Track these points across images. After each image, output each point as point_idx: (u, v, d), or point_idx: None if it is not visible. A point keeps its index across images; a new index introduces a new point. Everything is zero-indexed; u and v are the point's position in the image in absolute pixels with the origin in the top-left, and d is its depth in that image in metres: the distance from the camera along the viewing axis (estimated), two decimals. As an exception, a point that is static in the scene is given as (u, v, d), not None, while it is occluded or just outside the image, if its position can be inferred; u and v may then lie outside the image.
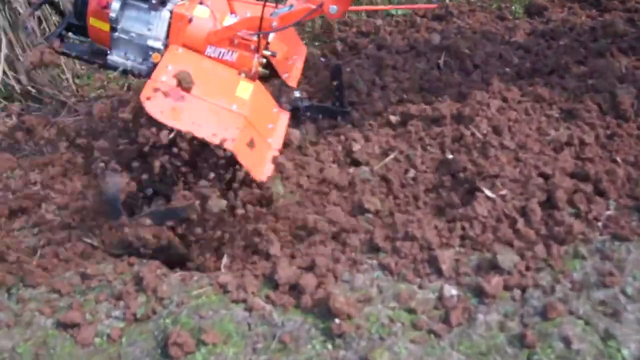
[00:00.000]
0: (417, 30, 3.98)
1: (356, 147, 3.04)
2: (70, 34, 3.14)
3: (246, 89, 2.83)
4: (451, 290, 2.38)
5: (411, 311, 2.34)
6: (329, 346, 2.27)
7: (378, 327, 2.30)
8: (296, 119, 3.18)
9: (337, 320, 2.30)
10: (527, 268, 2.38)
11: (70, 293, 2.61)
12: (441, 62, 3.58)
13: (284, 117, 3.02)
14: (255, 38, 2.82)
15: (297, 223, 2.70)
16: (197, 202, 2.62)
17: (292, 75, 3.25)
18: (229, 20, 2.91)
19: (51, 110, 3.91)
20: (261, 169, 2.73)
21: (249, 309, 2.42)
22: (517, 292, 2.32)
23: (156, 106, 2.59)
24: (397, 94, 3.36)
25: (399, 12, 4.18)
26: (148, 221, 2.70)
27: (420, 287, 2.42)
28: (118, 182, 2.70)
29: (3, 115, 3.91)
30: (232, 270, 2.61)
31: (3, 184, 3.20)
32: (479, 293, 2.34)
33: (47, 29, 4.00)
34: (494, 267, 2.41)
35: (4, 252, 2.75)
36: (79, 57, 3.12)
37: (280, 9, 2.81)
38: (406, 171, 2.93)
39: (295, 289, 2.46)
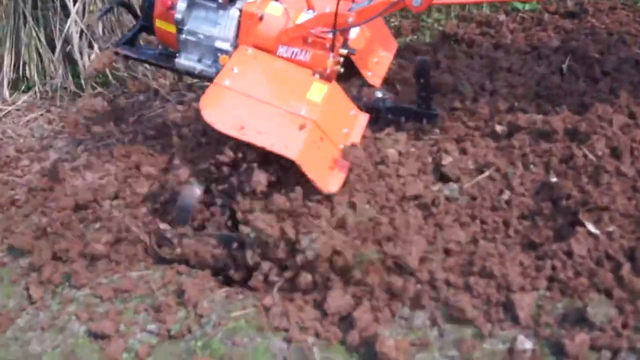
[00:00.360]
0: (544, 29, 3.57)
1: (447, 160, 2.74)
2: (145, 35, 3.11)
3: (319, 90, 2.65)
4: (525, 343, 2.03)
5: (474, 364, 2.03)
6: (372, 401, 2.02)
7: (431, 379, 2.02)
8: (376, 121, 2.91)
9: (384, 375, 2.05)
10: (625, 326, 1.98)
11: (110, 299, 2.54)
12: (565, 66, 3.17)
13: (362, 119, 2.79)
14: (330, 35, 2.61)
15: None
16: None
17: (377, 73, 3.01)
18: (304, 17, 2.73)
19: (144, 99, 3.92)
20: (329, 179, 2.51)
21: (288, 340, 2.21)
22: (606, 355, 1.94)
23: (216, 115, 2.49)
24: (507, 100, 3.01)
25: (526, 6, 3.78)
26: (213, 241, 2.60)
27: (489, 334, 2.09)
28: (195, 194, 2.61)
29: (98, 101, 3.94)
30: (282, 291, 2.41)
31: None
32: (559, 350, 1.98)
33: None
34: (582, 319, 2.03)
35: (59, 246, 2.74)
36: (147, 62, 3.07)
37: (359, 3, 2.58)
38: (500, 192, 2.59)
39: (345, 321, 2.23)
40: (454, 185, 2.67)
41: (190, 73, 2.91)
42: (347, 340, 2.16)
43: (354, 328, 2.17)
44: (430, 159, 2.79)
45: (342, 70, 2.79)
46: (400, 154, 2.79)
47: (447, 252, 2.41)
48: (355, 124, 2.75)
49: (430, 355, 2.08)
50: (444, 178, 2.72)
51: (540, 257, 2.28)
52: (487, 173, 2.67)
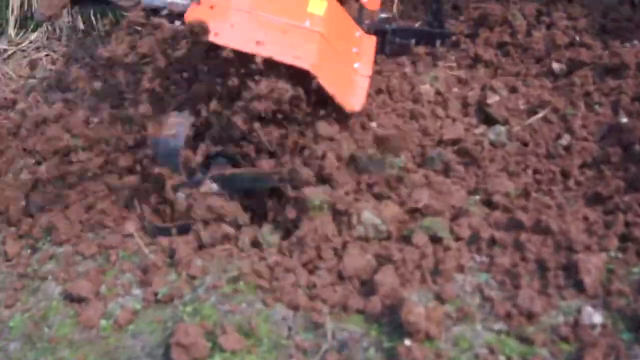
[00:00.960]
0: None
1: (493, 98, 2.30)
2: None
3: (319, 5, 2.27)
4: (594, 316, 1.61)
5: (526, 340, 1.61)
6: (390, 377, 1.62)
7: (470, 359, 1.60)
8: (382, 44, 2.52)
9: (407, 342, 1.63)
10: None
11: (94, 256, 2.18)
12: (637, -6, 2.69)
13: (370, 41, 2.39)
14: None
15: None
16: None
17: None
18: None
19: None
20: (350, 96, 2.16)
21: (294, 307, 1.82)
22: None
23: (226, 35, 2.11)
24: (567, 34, 2.54)
25: None
26: (215, 187, 2.20)
27: (547, 305, 1.67)
28: (182, 131, 2.19)
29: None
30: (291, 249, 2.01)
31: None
32: (636, 325, 1.56)
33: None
34: (666, 288, 1.60)
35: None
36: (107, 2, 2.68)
37: None
38: (558, 137, 2.15)
39: (365, 286, 1.83)
40: (501, 128, 2.23)
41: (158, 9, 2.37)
42: (366, 308, 1.76)
43: (376, 294, 1.77)
44: (474, 99, 2.36)
45: None
46: (438, 92, 2.37)
47: (492, 205, 1.99)
48: (364, 45, 2.35)
49: (471, 328, 1.66)
50: (489, 120, 2.28)
51: (609, 212, 1.84)
52: (541, 114, 2.23)
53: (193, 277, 1.98)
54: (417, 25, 2.64)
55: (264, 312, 1.82)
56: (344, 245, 1.91)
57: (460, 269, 1.80)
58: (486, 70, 2.50)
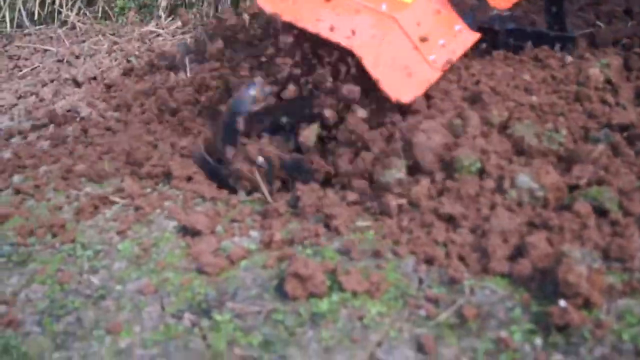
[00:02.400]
0: None
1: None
2: None
3: None
4: None
5: None
6: (536, 341, 1.36)
7: (637, 334, 1.33)
8: (492, 44, 2.33)
9: (562, 302, 1.39)
10: None
11: (214, 199, 2.07)
12: None
13: (469, 37, 2.19)
14: None
15: None
16: None
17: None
18: None
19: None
20: (401, 85, 1.98)
21: (428, 260, 1.62)
22: None
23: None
24: None
25: None
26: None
27: None
28: (248, 98, 2.07)
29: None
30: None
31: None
32: None
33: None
34: None
35: None
36: None
37: None
38: None
39: (513, 251, 1.61)
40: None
41: None
42: (513, 271, 1.53)
43: (525, 257, 1.54)
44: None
45: None
46: (609, 81, 2.14)
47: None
48: (458, 40, 2.16)
49: (639, 302, 1.40)
50: (667, 111, 2.03)
51: None
52: None
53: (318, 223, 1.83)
54: (534, 27, 2.44)
55: (393, 262, 1.62)
56: (492, 207, 1.70)
57: (629, 245, 1.55)
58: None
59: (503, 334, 1.39)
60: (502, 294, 1.48)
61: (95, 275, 1.80)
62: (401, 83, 2.00)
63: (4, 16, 4.08)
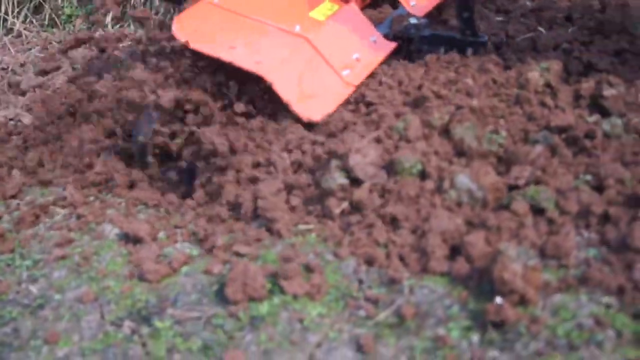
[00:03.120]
0: None
1: (609, 91, 2.10)
2: None
3: (328, 9, 2.35)
4: None
5: (640, 318, 1.37)
6: (473, 338, 1.38)
7: (571, 329, 1.36)
8: (408, 52, 2.44)
9: (498, 299, 1.41)
10: None
11: (157, 205, 2.06)
12: None
13: (384, 48, 2.32)
14: None
15: None
16: None
17: (423, 4, 2.56)
18: None
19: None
20: (311, 104, 2.09)
21: (369, 262, 1.63)
22: None
23: (184, 27, 2.17)
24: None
25: None
26: None
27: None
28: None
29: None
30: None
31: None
32: None
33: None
34: None
35: None
36: None
37: None
38: (684, 131, 1.93)
39: (452, 251, 1.62)
40: (618, 120, 2.02)
41: None
42: (451, 270, 1.55)
43: (463, 256, 1.57)
44: (587, 92, 2.16)
45: None
46: (549, 85, 2.19)
47: (603, 189, 1.76)
48: (373, 51, 2.28)
49: (574, 298, 1.42)
50: (603, 113, 2.08)
51: None
52: (665, 108, 2.02)
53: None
54: (447, 32, 2.52)
55: (334, 263, 1.63)
56: (431, 207, 1.72)
57: (565, 242, 1.58)
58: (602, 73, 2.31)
59: (441, 331, 1.41)
60: (440, 293, 1.50)
61: (34, 285, 1.77)
62: (312, 102, 2.08)
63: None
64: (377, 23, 2.50)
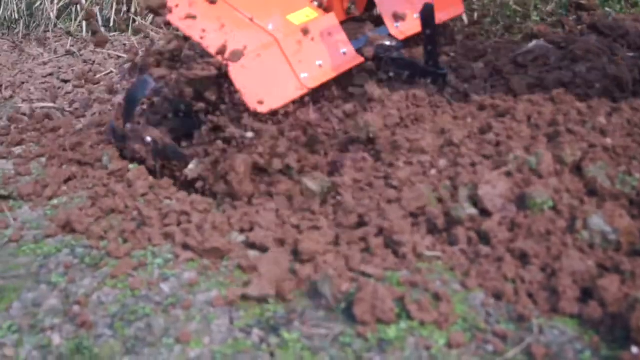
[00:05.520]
0: None
1: None
2: None
3: (306, 16, 2.51)
4: None
5: None
6: (606, 385, 1.38)
7: None
8: (376, 72, 2.62)
9: (634, 349, 1.40)
10: None
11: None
12: None
13: (351, 61, 2.52)
14: None
15: None
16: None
17: (405, 29, 2.71)
18: None
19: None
20: (262, 97, 2.25)
21: (498, 295, 1.64)
22: None
23: (177, 13, 2.36)
24: None
25: None
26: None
27: None
28: (147, 85, 2.42)
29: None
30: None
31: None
32: None
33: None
34: None
35: None
36: None
37: None
38: None
39: (583, 294, 1.61)
40: None
41: None
42: (583, 312, 1.54)
43: (596, 299, 1.55)
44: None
45: (353, 8, 2.84)
46: None
47: None
48: (339, 62, 2.48)
49: None
50: None
51: None
52: None
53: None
54: (414, 59, 2.68)
55: (461, 294, 1.65)
56: (563, 245, 1.72)
57: None
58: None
59: (570, 374, 1.41)
60: (571, 335, 1.49)
61: (165, 284, 1.86)
62: (263, 95, 2.25)
63: (80, 22, 4.23)
64: (353, 37, 2.65)
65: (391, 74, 2.61)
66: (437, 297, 1.63)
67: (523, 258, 1.72)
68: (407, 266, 1.76)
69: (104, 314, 1.76)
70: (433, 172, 2.06)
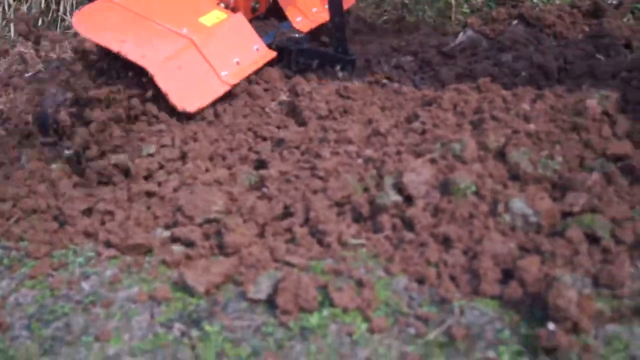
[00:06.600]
0: None
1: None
2: None
3: (216, 17, 2.65)
4: None
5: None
6: (525, 362, 1.40)
7: (625, 359, 1.37)
8: (288, 62, 2.80)
9: (550, 325, 1.42)
10: None
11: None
12: None
13: (265, 56, 2.66)
14: None
15: None
16: None
17: (307, 22, 2.94)
18: None
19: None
20: (188, 97, 2.40)
21: (421, 280, 1.65)
22: None
23: (83, 20, 2.49)
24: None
25: None
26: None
27: None
28: (57, 99, 2.51)
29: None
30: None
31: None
32: None
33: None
34: None
35: None
36: None
37: None
38: None
39: (504, 275, 1.63)
40: (681, 154, 2.02)
41: None
42: (503, 294, 1.56)
43: (516, 280, 1.57)
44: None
45: (257, 6, 3.00)
46: (606, 113, 2.19)
47: (661, 222, 1.76)
48: (254, 58, 2.63)
49: (628, 329, 1.42)
50: (661, 146, 2.08)
51: None
52: None
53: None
54: (321, 48, 2.90)
55: (385, 280, 1.65)
56: (485, 229, 1.74)
57: (619, 272, 1.58)
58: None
59: (491, 354, 1.42)
60: (491, 316, 1.51)
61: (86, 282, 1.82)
62: (189, 95, 2.40)
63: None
64: (263, 33, 2.79)
65: (302, 65, 2.76)
66: (360, 284, 1.63)
67: (446, 242, 1.74)
68: (331, 255, 1.76)
69: (20, 315, 1.71)
70: (359, 161, 2.07)
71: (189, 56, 2.46)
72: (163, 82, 2.35)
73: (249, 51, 2.62)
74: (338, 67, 2.72)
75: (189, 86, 2.42)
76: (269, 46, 2.70)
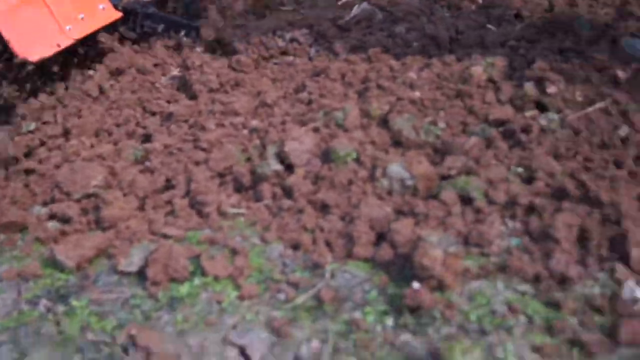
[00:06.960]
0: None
1: (551, 88, 2.13)
2: None
3: None
4: (636, 291, 1.39)
5: (554, 305, 1.38)
6: (387, 322, 1.40)
7: (484, 315, 1.38)
8: (134, 28, 2.84)
9: (415, 284, 1.43)
10: None
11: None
12: None
13: (110, 15, 2.73)
14: None
15: None
16: None
17: None
18: None
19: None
20: (32, 47, 2.43)
21: (296, 246, 1.64)
22: None
23: None
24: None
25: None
26: None
27: (584, 274, 1.45)
28: None
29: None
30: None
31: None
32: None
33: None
34: None
35: None
36: None
37: None
38: (615, 128, 1.97)
39: (381, 237, 1.64)
40: (554, 116, 2.05)
41: None
42: (376, 255, 1.56)
43: (388, 242, 1.58)
44: (529, 91, 2.19)
45: None
46: (491, 80, 2.22)
47: (532, 181, 1.79)
48: (99, 16, 2.70)
49: (492, 285, 1.44)
50: (542, 108, 2.12)
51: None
52: (599, 105, 2.05)
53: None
54: (169, 15, 2.93)
55: (260, 247, 1.64)
56: (362, 194, 1.74)
57: (488, 231, 1.60)
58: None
59: (357, 315, 1.42)
60: (362, 278, 1.51)
61: (-45, 262, 1.75)
62: (32, 45, 2.43)
63: None
64: None
65: (147, 28, 2.82)
66: (234, 252, 1.61)
67: (324, 209, 1.73)
68: (210, 225, 1.74)
69: None
70: (244, 132, 2.05)
71: (34, 8, 2.50)
72: (6, 30, 2.39)
73: (94, 9, 2.68)
74: (182, 33, 2.77)
75: (32, 37, 2.45)
76: (116, 7, 2.75)
